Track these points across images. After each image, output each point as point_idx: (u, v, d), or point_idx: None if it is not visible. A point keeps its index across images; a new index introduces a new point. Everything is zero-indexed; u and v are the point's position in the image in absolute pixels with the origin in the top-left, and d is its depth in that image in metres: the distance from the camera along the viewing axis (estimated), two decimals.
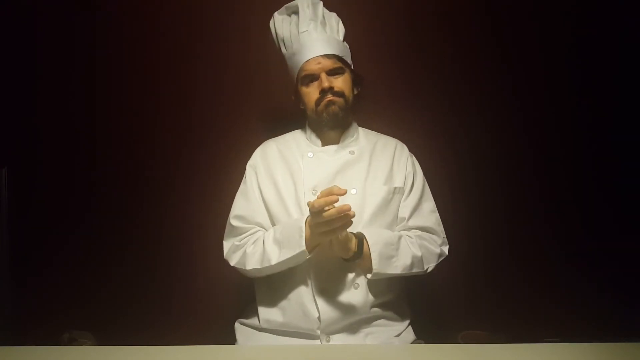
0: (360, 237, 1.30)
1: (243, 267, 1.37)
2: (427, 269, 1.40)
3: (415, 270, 1.36)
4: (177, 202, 1.87)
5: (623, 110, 1.83)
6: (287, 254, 1.29)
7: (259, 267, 1.33)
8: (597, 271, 1.81)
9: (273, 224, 1.43)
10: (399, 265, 1.33)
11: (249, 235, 1.42)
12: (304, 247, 1.26)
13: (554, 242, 1.84)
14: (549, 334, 1.47)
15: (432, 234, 1.46)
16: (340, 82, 1.41)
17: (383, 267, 1.30)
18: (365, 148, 1.48)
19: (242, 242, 1.41)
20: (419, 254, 1.37)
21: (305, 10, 1.44)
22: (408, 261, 1.34)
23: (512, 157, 1.85)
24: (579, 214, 1.85)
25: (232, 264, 1.41)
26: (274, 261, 1.31)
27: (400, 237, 1.37)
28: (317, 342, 1.32)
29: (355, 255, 1.29)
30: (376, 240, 1.31)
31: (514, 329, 1.63)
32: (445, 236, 1.49)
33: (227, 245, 1.45)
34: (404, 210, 1.45)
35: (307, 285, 1.34)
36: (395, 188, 1.44)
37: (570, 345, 1.07)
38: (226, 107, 1.87)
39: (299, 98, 1.47)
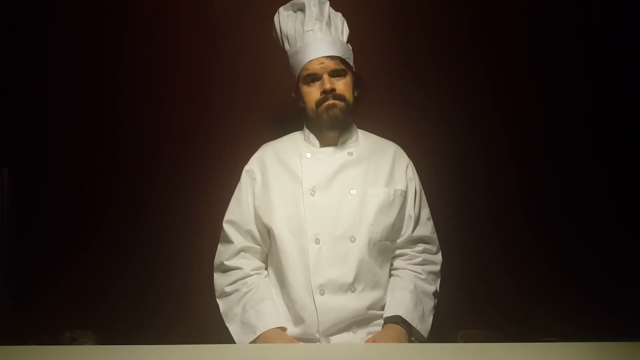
0: (397, 321, 1.34)
1: (224, 318, 1.42)
2: (438, 288, 1.48)
3: (436, 299, 1.45)
4: (179, 202, 1.87)
5: (614, 111, 1.84)
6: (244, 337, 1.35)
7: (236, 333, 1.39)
8: (597, 271, 1.82)
9: (267, 230, 1.43)
10: (428, 311, 1.40)
11: (239, 283, 1.42)
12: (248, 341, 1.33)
13: (554, 242, 1.85)
14: (548, 334, 1.47)
15: (428, 243, 1.49)
16: (342, 85, 1.41)
17: (425, 325, 1.37)
18: (364, 150, 1.48)
19: (231, 290, 1.42)
20: (433, 287, 1.45)
21: (311, 9, 1.43)
22: (431, 301, 1.43)
23: (510, 157, 1.86)
24: (578, 214, 1.85)
25: (220, 307, 1.45)
26: (236, 338, 1.37)
27: (415, 286, 1.40)
28: (317, 343, 1.32)
29: (411, 337, 1.37)
30: (407, 311, 1.35)
31: (513, 328, 1.63)
32: (438, 243, 1.51)
33: (217, 277, 1.47)
34: (408, 221, 1.46)
35: (306, 289, 1.34)
36: (396, 190, 1.44)
37: (570, 345, 1.07)
38: (231, 112, 1.88)
39: (299, 96, 1.47)
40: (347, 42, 1.47)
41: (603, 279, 1.81)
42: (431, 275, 1.46)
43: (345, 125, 1.47)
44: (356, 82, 1.46)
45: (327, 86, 1.38)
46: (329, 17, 1.45)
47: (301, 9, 1.46)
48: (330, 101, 1.39)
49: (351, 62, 1.46)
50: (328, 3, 1.47)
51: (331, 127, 1.44)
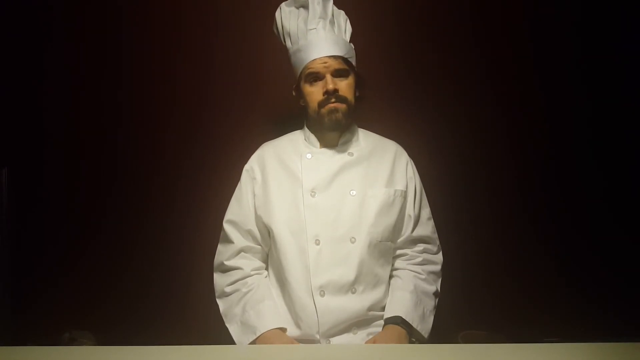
0: (397, 322, 1.34)
1: (224, 319, 1.42)
2: (439, 288, 1.47)
3: (437, 299, 1.45)
4: (179, 202, 1.87)
5: (615, 111, 1.84)
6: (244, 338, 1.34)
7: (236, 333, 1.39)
8: (598, 271, 1.82)
9: (267, 230, 1.42)
10: (428, 311, 1.39)
11: (239, 283, 1.41)
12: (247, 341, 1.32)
13: (554, 242, 1.85)
14: (549, 334, 1.47)
15: (428, 243, 1.48)
16: (345, 86, 1.39)
17: (425, 325, 1.37)
18: (365, 150, 1.47)
19: (231, 290, 1.42)
20: (433, 288, 1.44)
21: (315, 7, 1.42)
22: (432, 302, 1.42)
23: (511, 158, 1.86)
24: (579, 215, 1.85)
25: (220, 307, 1.44)
26: (235, 338, 1.37)
27: (415, 286, 1.40)
28: (317, 344, 1.32)
29: (412, 337, 1.36)
30: (407, 311, 1.34)
31: (514, 329, 1.63)
32: (439, 242, 1.51)
33: (217, 277, 1.47)
34: (407, 221, 1.45)
35: (306, 290, 1.34)
36: (396, 191, 1.43)
37: (570, 345, 1.07)
38: (231, 111, 1.87)
39: (300, 94, 1.46)
40: (349, 41, 1.46)
41: (603, 279, 1.81)
42: (431, 275, 1.45)
43: (346, 126, 1.46)
44: (358, 82, 1.44)
45: (330, 87, 1.37)
46: (333, 15, 1.44)
47: (304, 5, 1.44)
48: (333, 105, 1.38)
49: (354, 62, 1.45)
50: (332, 1, 1.45)
51: (332, 129, 1.43)
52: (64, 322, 1.76)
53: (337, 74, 1.39)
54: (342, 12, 1.49)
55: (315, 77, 1.40)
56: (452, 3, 1.86)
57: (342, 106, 1.39)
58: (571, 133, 1.86)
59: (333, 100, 1.38)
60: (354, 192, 1.39)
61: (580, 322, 1.70)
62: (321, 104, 1.39)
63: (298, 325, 1.34)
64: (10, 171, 1.83)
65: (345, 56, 1.41)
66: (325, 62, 1.38)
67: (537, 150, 1.86)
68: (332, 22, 1.43)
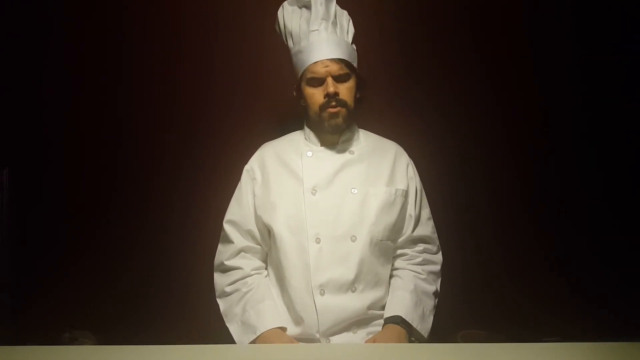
0: (397, 321, 1.34)
1: (224, 318, 1.42)
2: (439, 288, 1.47)
3: (436, 299, 1.45)
4: (179, 202, 1.87)
5: (615, 111, 1.84)
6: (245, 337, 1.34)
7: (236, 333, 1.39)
8: (598, 271, 1.82)
9: (268, 230, 1.42)
10: (428, 311, 1.40)
11: (239, 283, 1.42)
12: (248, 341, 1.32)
13: (554, 242, 1.85)
14: (548, 334, 1.47)
15: (428, 243, 1.48)
16: (345, 90, 1.39)
17: (425, 325, 1.37)
18: (365, 149, 1.47)
19: (231, 290, 1.42)
20: (433, 287, 1.45)
21: (317, 8, 1.41)
22: (431, 301, 1.42)
23: (511, 158, 1.86)
24: (578, 214, 1.85)
25: (220, 307, 1.45)
26: (236, 337, 1.37)
27: (415, 286, 1.40)
28: (317, 344, 1.32)
29: (411, 337, 1.37)
30: (407, 311, 1.34)
31: (513, 329, 1.63)
32: (438, 242, 1.51)
33: (217, 277, 1.47)
34: (408, 221, 1.45)
35: (306, 289, 1.34)
36: (397, 190, 1.43)
37: (570, 345, 1.07)
38: (231, 111, 1.88)
39: (300, 95, 1.46)
40: (352, 43, 1.45)
41: (603, 279, 1.81)
42: (431, 275, 1.46)
43: (346, 127, 1.45)
44: (359, 84, 1.44)
45: (331, 90, 1.36)
46: (335, 16, 1.43)
47: (306, 5, 1.43)
48: (334, 109, 1.38)
49: (355, 64, 1.44)
50: (335, 1, 1.44)
51: (332, 133, 1.44)
52: (64, 322, 1.75)
53: (338, 77, 1.39)
54: (345, 13, 1.48)
55: (316, 80, 1.39)
56: (452, 3, 1.86)
57: (342, 110, 1.39)
58: (571, 133, 1.86)
59: (333, 103, 1.38)
60: (355, 191, 1.40)
61: (580, 322, 1.69)
62: (322, 107, 1.39)
63: (298, 324, 1.35)
64: (10, 171, 1.82)
65: (347, 59, 1.40)
66: (327, 66, 1.38)
67: (537, 150, 1.86)
68: (334, 24, 1.42)
